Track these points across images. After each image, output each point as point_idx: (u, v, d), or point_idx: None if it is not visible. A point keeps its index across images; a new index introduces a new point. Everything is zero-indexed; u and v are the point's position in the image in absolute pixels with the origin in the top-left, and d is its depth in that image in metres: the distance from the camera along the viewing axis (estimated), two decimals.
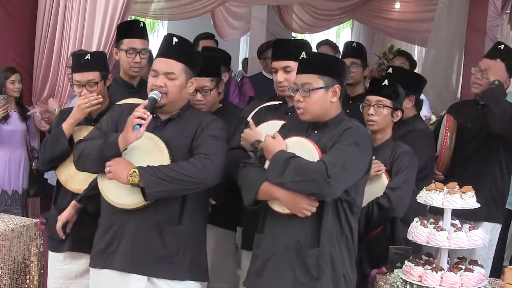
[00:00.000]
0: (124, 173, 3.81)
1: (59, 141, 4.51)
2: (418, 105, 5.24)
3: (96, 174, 4.16)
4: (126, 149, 3.90)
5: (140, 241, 3.96)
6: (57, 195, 4.77)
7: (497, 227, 5.50)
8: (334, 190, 3.68)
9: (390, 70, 5.11)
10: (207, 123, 4.04)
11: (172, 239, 3.98)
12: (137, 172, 3.78)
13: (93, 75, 4.56)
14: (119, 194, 3.92)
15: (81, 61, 4.57)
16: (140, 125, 3.78)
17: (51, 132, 4.59)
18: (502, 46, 5.23)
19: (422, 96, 7.60)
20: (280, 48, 4.56)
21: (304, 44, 4.66)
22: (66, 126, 4.51)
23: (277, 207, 3.84)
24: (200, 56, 4.32)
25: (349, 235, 3.89)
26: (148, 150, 3.92)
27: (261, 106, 4.75)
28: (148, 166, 3.82)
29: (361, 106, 4.67)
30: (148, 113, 3.81)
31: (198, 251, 4.12)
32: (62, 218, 4.51)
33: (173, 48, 4.02)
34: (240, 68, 15.83)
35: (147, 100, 3.89)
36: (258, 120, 4.49)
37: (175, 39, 4.03)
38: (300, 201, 3.73)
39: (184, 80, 4.02)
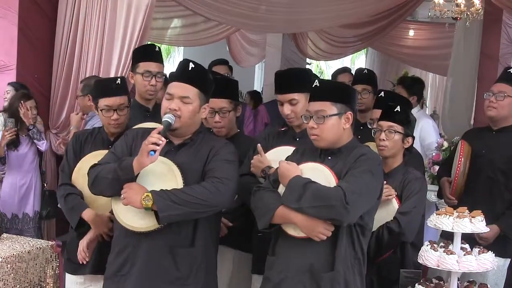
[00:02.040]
0: (137, 198, 3.83)
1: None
2: None
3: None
4: (139, 173, 3.94)
5: (152, 264, 3.98)
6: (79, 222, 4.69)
7: (507, 262, 5.32)
8: (352, 216, 3.72)
9: (382, 93, 5.15)
10: (219, 147, 4.07)
11: (185, 261, 4.00)
12: (150, 196, 3.80)
13: (123, 100, 4.61)
14: (133, 217, 3.94)
15: (113, 86, 4.62)
16: (155, 150, 3.81)
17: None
18: (511, 70, 5.26)
19: (432, 123, 7.71)
20: (283, 81, 4.59)
21: (306, 73, 4.73)
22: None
23: (291, 231, 3.87)
24: (213, 83, 4.36)
25: (361, 258, 3.92)
26: (161, 174, 3.95)
27: (268, 132, 4.80)
28: (161, 190, 3.85)
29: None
30: (163, 138, 3.84)
31: (210, 273, 4.14)
32: (85, 243, 4.48)
33: (189, 73, 4.06)
34: None
35: (161, 126, 3.91)
36: (266, 146, 4.54)
37: (191, 65, 4.07)
38: (317, 226, 3.76)
39: (198, 105, 4.05)
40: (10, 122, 6.82)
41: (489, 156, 5.20)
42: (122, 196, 3.90)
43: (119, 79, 4.67)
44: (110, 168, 3.98)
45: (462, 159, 5.16)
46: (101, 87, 4.73)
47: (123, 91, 4.65)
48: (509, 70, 5.27)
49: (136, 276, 4.00)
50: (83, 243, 4.47)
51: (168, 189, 3.86)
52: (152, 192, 3.82)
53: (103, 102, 4.62)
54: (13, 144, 6.91)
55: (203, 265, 4.06)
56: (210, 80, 4.23)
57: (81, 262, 4.49)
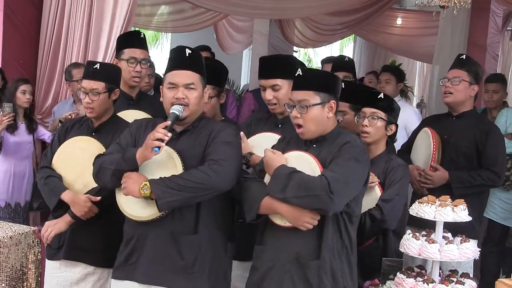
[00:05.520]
0: (136, 187, 3.83)
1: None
2: None
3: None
4: None
5: (158, 253, 3.99)
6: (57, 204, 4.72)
7: None
8: (337, 205, 3.73)
9: (343, 85, 5.12)
10: (218, 130, 4.04)
11: (189, 249, 3.98)
12: (148, 184, 3.80)
13: (97, 85, 4.57)
14: (135, 207, 3.95)
15: (90, 69, 4.64)
16: (159, 147, 3.80)
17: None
18: (463, 57, 5.42)
19: (414, 110, 7.73)
20: (266, 66, 4.59)
21: (290, 60, 4.71)
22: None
23: (278, 221, 3.88)
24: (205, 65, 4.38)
25: (349, 246, 3.94)
26: (162, 162, 3.95)
27: (251, 118, 4.80)
28: (160, 178, 3.84)
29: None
30: (170, 134, 3.83)
31: (216, 260, 4.11)
32: (53, 234, 4.53)
33: (188, 59, 4.05)
34: (242, 81, 15.87)
35: (168, 121, 3.90)
36: (248, 132, 4.54)
37: (188, 51, 4.06)
38: (303, 215, 3.77)
39: (201, 90, 4.06)
40: (8, 107, 6.68)
41: (452, 141, 5.31)
42: (122, 186, 3.91)
43: (98, 65, 4.66)
44: (113, 158, 3.98)
45: (436, 151, 5.22)
46: (85, 68, 4.76)
47: (100, 77, 4.61)
48: (462, 57, 5.42)
49: (143, 265, 4.03)
50: (51, 231, 4.52)
51: (168, 176, 3.86)
52: (150, 180, 3.83)
53: (82, 83, 4.66)
54: (11, 128, 6.81)
55: (208, 252, 4.04)
56: (204, 63, 4.21)
57: (45, 244, 4.58)
